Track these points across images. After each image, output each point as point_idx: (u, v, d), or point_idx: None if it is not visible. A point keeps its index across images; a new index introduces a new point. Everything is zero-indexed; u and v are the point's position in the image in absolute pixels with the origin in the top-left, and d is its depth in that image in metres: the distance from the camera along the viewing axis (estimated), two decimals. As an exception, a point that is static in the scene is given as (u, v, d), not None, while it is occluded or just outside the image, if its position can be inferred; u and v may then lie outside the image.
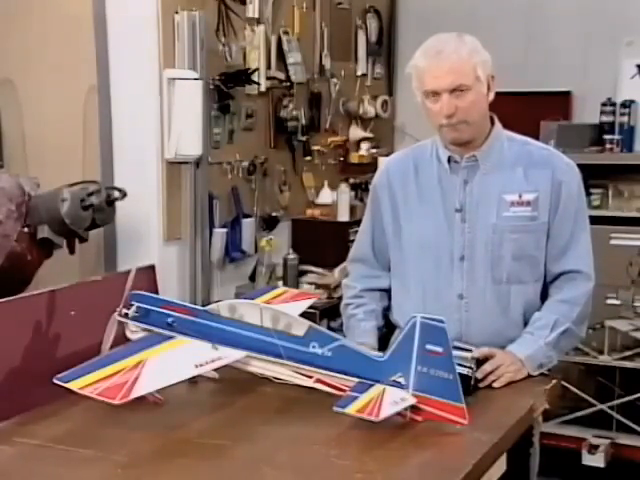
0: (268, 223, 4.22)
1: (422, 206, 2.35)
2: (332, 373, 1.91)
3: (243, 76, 3.87)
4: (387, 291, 2.48)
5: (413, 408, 1.83)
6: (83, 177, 3.39)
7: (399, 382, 1.84)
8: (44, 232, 3.11)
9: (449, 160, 2.32)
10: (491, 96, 2.27)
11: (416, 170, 2.38)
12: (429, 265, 2.34)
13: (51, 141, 3.79)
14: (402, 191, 2.38)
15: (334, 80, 4.65)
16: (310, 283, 4.11)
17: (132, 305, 2.09)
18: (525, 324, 2.31)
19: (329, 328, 3.59)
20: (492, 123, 2.33)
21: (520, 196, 2.27)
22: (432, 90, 2.19)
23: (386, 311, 2.49)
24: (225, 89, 3.80)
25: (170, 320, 2.05)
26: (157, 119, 3.56)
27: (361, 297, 2.48)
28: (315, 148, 4.53)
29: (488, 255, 2.28)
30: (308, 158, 4.49)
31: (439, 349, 1.79)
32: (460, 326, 2.29)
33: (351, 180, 4.67)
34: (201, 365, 1.93)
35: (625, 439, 3.94)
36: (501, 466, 1.88)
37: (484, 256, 2.28)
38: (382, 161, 4.53)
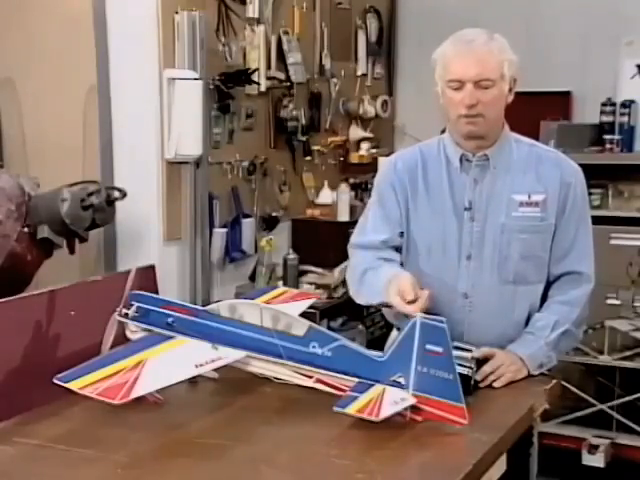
0: (268, 223, 4.22)
1: (430, 204, 2.34)
2: (332, 373, 1.92)
3: (243, 76, 3.87)
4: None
5: (413, 408, 1.83)
6: (83, 177, 3.39)
7: (399, 382, 1.84)
8: (44, 232, 3.11)
9: (461, 159, 2.31)
10: (510, 98, 2.27)
11: (424, 168, 2.36)
12: (435, 263, 2.33)
13: (51, 141, 3.79)
14: (410, 188, 2.36)
15: (334, 80, 4.66)
16: (310, 283, 4.11)
17: (132, 305, 2.09)
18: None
19: (329, 328, 3.60)
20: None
21: (529, 197, 2.27)
22: (457, 79, 2.19)
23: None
24: (225, 89, 3.80)
25: (170, 320, 2.05)
26: (157, 119, 3.56)
27: (378, 261, 2.33)
28: (315, 148, 4.53)
29: (495, 255, 2.28)
30: (308, 158, 4.49)
31: (439, 349, 1.79)
32: (464, 326, 2.29)
33: (351, 180, 4.67)
34: (201, 365, 1.93)
35: (625, 439, 3.93)
36: (501, 466, 1.88)
37: (491, 255, 2.28)
38: (382, 161, 4.54)
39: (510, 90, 2.25)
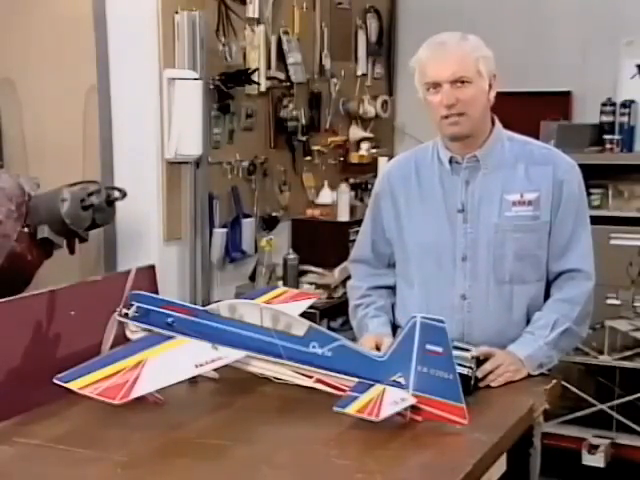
0: (268, 223, 4.22)
1: (424, 207, 2.35)
2: (332, 373, 1.92)
3: (243, 76, 3.88)
4: (392, 288, 2.49)
5: (413, 408, 1.83)
6: (83, 177, 3.39)
7: (399, 382, 1.84)
8: (44, 232, 3.11)
9: (450, 161, 2.32)
10: (492, 95, 2.27)
11: (417, 172, 2.38)
12: (431, 266, 2.34)
13: (51, 141, 3.79)
14: (404, 194, 2.39)
15: (334, 80, 4.66)
16: (310, 283, 4.12)
17: (132, 305, 2.09)
18: (528, 324, 2.31)
19: (329, 328, 3.60)
20: (492, 123, 2.33)
21: (522, 196, 2.27)
22: (433, 81, 2.20)
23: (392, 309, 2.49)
24: (225, 89, 3.80)
25: (170, 320, 2.05)
26: (157, 119, 3.56)
27: (369, 296, 2.48)
28: (315, 148, 4.53)
29: (490, 255, 2.28)
30: (308, 158, 4.49)
31: (439, 349, 1.79)
32: (463, 326, 2.29)
33: (351, 180, 4.68)
34: (201, 365, 1.93)
35: (625, 439, 3.93)
36: (501, 466, 1.88)
37: (486, 256, 2.29)
38: (382, 161, 4.55)
39: (490, 86, 2.25)
